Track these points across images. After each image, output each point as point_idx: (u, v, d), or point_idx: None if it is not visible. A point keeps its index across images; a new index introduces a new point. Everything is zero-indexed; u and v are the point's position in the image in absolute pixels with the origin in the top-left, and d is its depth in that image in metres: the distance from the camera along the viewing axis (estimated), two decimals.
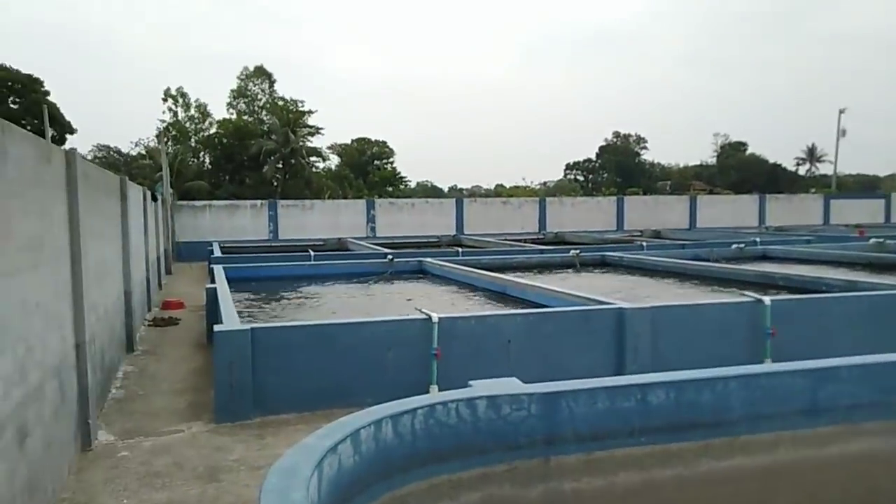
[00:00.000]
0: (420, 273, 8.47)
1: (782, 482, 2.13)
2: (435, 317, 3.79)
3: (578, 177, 65.40)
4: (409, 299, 6.31)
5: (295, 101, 33.41)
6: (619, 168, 61.24)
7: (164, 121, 31.40)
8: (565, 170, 66.53)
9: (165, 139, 25.38)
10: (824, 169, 59.91)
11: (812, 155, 65.35)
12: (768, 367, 2.21)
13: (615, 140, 65.32)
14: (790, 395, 2.17)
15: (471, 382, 2.08)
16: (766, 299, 4.07)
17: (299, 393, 3.92)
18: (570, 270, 8.72)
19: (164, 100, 32.39)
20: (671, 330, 4.01)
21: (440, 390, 3.22)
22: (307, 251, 10.70)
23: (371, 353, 3.91)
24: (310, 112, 32.62)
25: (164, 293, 10.17)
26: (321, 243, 15.21)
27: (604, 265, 9.04)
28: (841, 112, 47.66)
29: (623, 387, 2.07)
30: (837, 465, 2.18)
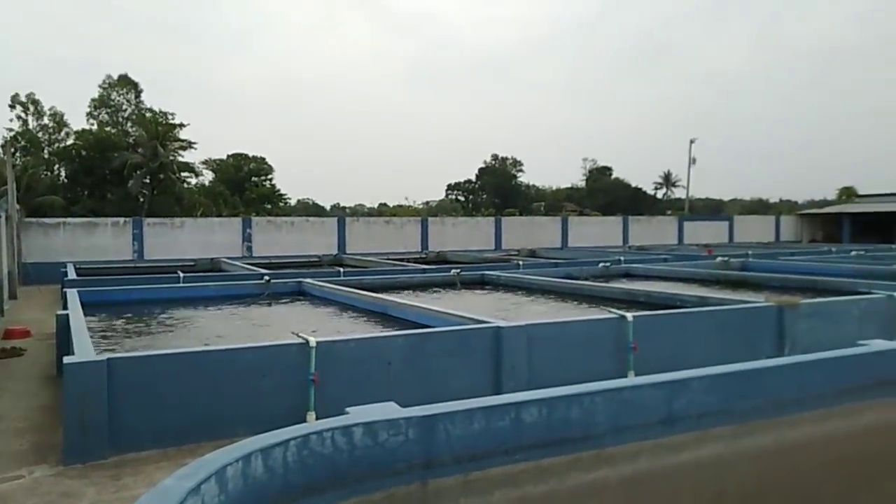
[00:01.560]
0: (299, 294, 8.23)
1: (643, 489, 2.26)
2: (312, 341, 3.68)
3: (459, 197, 66.94)
4: (290, 325, 6.10)
5: (164, 113, 31.52)
6: (497, 189, 63.39)
7: (11, 129, 28.41)
8: (447, 190, 67.84)
9: (13, 149, 22.92)
10: (679, 193, 65.61)
11: (668, 180, 71.46)
12: (630, 380, 2.35)
13: (494, 162, 67.60)
14: (649, 407, 2.32)
15: (347, 409, 2.03)
16: (629, 315, 4.35)
17: (163, 427, 3.64)
18: (451, 289, 8.85)
19: (12, 107, 29.37)
20: (545, 347, 4.18)
21: (318, 417, 3.13)
22: (176, 272, 10.05)
23: (244, 381, 3.72)
24: (181, 125, 30.92)
25: (6, 320, 9.11)
26: (192, 264, 14.35)
27: (483, 284, 9.28)
28: (692, 142, 52.46)
29: (498, 406, 2.11)
30: (691, 470, 2.35)
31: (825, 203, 47.52)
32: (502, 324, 4.22)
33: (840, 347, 2.91)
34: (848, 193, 46.25)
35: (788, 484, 2.53)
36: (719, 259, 11.17)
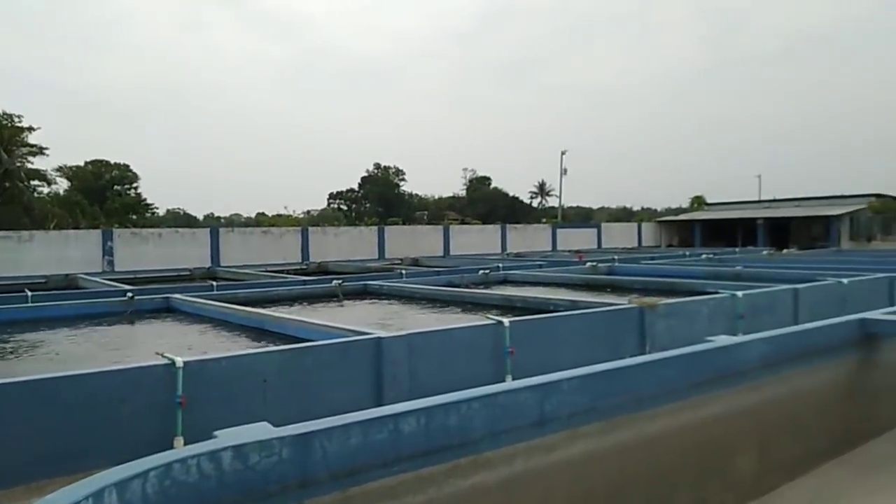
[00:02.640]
0: (167, 311, 7.71)
1: (519, 490, 2.34)
2: (179, 361, 3.46)
3: (342, 206, 66.06)
4: (153, 343, 5.70)
5: (10, 116, 28.44)
6: (380, 198, 63.26)
7: None
8: (329, 199, 66.70)
9: None
10: (553, 202, 68.92)
11: (542, 190, 74.82)
12: (505, 385, 2.43)
13: (376, 171, 67.42)
14: (523, 410, 2.40)
15: (216, 433, 1.92)
16: (506, 321, 4.50)
17: (6, 465, 3.26)
18: (333, 301, 8.69)
19: None
20: (426, 355, 4.21)
21: (188, 443, 2.93)
22: (23, 291, 9.07)
23: (102, 408, 3.42)
24: (30, 129, 28.04)
25: None
26: (43, 281, 13.01)
27: (366, 294, 9.20)
28: (563, 153, 55.32)
29: (377, 419, 2.10)
30: (563, 468, 2.46)
31: (680, 210, 52.01)
32: (383, 334, 4.20)
33: (692, 344, 3.19)
34: (699, 202, 50.95)
35: (650, 473, 2.72)
36: (589, 264, 11.86)
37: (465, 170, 75.33)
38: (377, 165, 67.19)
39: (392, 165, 67.38)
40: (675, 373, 2.90)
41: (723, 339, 3.23)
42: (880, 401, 3.71)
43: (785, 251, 17.16)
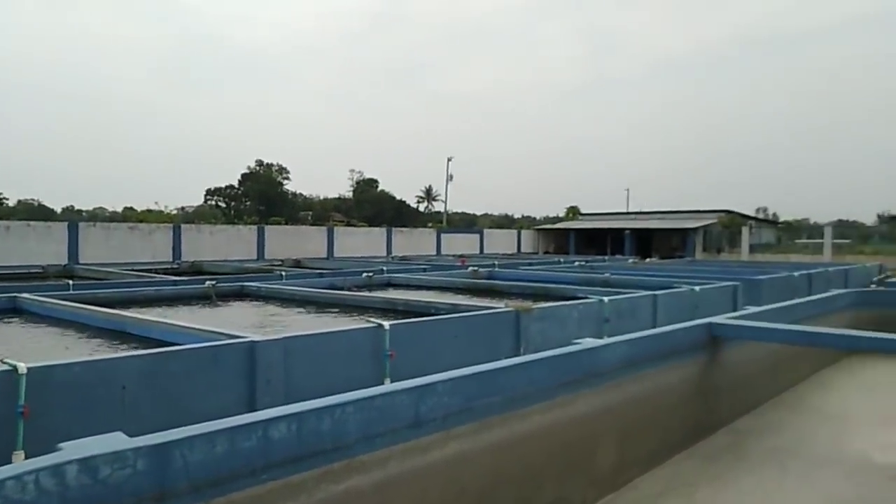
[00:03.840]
0: (13, 312, 6.94)
1: (393, 493, 2.34)
2: (22, 366, 3.13)
3: (220, 203, 62.96)
4: None
5: None
6: (262, 196, 60.99)
7: None
8: (206, 196, 63.34)
9: None
10: (439, 207, 69.87)
11: (429, 195, 75.66)
12: (381, 388, 2.42)
13: (258, 168, 64.95)
14: (399, 412, 2.41)
15: (61, 445, 1.76)
16: (386, 324, 4.49)
17: None
18: (206, 303, 8.25)
19: None
20: (303, 359, 4.10)
21: (29, 457, 2.65)
22: None
23: None
24: None
25: None
26: None
27: (242, 296, 8.81)
28: (449, 159, 56.33)
29: (245, 425, 2.01)
30: (437, 469, 2.50)
31: (557, 219, 54.73)
32: (257, 337, 4.04)
33: (563, 345, 3.36)
34: (574, 212, 53.93)
35: (519, 471, 2.83)
36: (470, 269, 12.15)
37: (352, 171, 74.46)
38: (259, 162, 64.75)
39: (275, 163, 65.22)
40: (545, 373, 3.04)
41: (589, 342, 3.42)
42: (722, 396, 4.10)
43: (648, 260, 18.57)
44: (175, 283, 9.79)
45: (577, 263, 15.61)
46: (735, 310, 8.13)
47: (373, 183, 70.50)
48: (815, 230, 45.55)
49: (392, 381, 4.38)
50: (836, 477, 3.23)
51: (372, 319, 4.64)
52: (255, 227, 24.93)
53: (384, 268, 12.07)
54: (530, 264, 15.55)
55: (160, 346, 4.52)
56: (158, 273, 12.96)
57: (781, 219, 62.13)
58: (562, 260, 18.45)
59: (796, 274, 11.22)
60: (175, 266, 16.13)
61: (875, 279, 10.16)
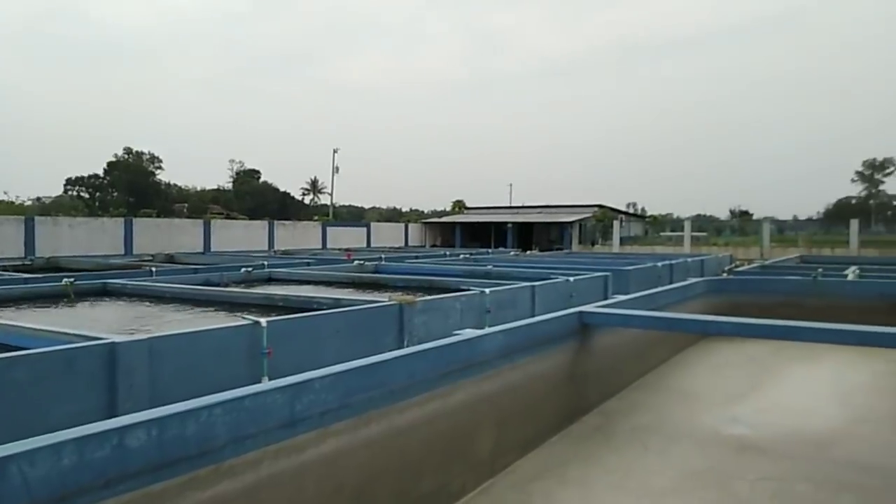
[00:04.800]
0: None
1: (266, 495, 2.26)
2: None
3: (83, 194, 57.95)
4: None
5: None
6: (131, 187, 56.85)
7: None
8: (66, 185, 58.06)
9: None
10: (325, 199, 68.54)
11: (315, 187, 73.97)
12: (253, 387, 2.32)
13: (127, 156, 60.41)
14: (272, 412, 2.32)
15: None
16: (263, 321, 4.33)
17: None
18: (64, 302, 7.55)
19: None
20: (171, 360, 3.86)
21: None
22: None
23: None
24: None
25: None
26: None
27: (105, 294, 8.15)
28: (335, 151, 55.39)
29: (97, 434, 1.85)
30: (313, 467, 2.44)
31: (444, 213, 55.52)
32: (119, 339, 3.74)
33: (446, 337, 3.40)
34: (460, 206, 54.96)
35: (399, 464, 2.83)
36: (356, 262, 12.03)
37: (232, 161, 71.14)
38: (128, 150, 60.23)
39: (146, 151, 60.93)
40: (425, 365, 3.06)
41: (468, 332, 3.49)
42: (591, 381, 4.35)
43: (528, 252, 19.33)
44: (26, 280, 8.87)
45: (461, 256, 15.92)
46: (606, 298, 8.66)
47: (254, 174, 67.77)
48: (678, 224, 49.57)
49: (270, 381, 4.24)
50: (690, 450, 3.52)
51: (248, 316, 4.46)
52: (121, 220, 23.15)
53: (265, 262, 11.65)
54: (417, 257, 15.65)
55: (5, 350, 4.07)
56: (7, 270, 11.68)
57: (649, 213, 66.99)
58: (448, 253, 18.73)
59: (660, 264, 12.13)
60: (28, 262, 14.61)
61: (726, 268, 11.21)
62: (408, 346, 5.21)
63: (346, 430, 2.58)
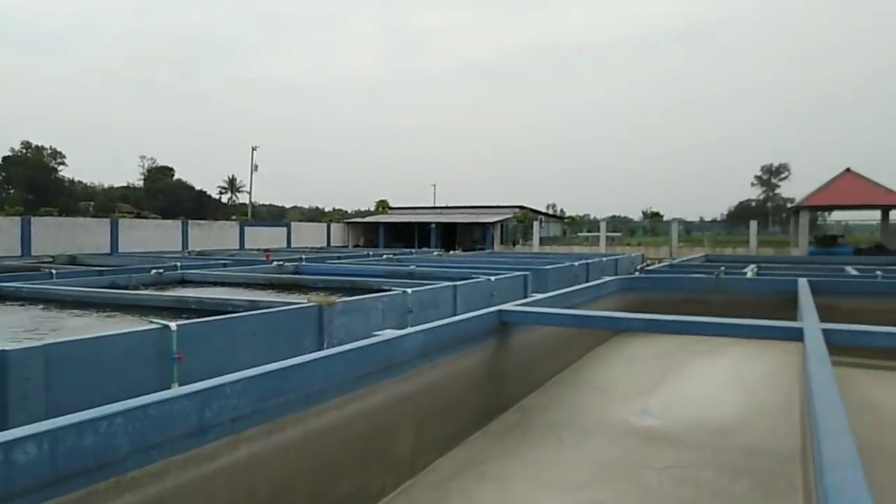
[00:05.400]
0: None
1: None
2: None
3: None
4: None
5: None
6: (30, 183, 53.10)
7: None
8: None
9: None
10: (244, 198, 66.48)
11: (233, 185, 71.60)
12: (158, 395, 2.21)
13: (25, 151, 56.38)
14: (179, 420, 2.22)
15: None
16: (173, 325, 4.14)
17: None
18: None
19: None
20: (71, 369, 3.62)
21: None
22: None
23: None
24: None
25: None
26: None
27: None
28: (254, 149, 53.84)
29: None
30: (224, 476, 2.35)
31: (367, 213, 55.05)
32: (9, 346, 3.48)
33: (367, 338, 3.36)
34: (383, 205, 54.68)
35: (315, 468, 2.77)
36: (275, 263, 11.73)
37: (143, 158, 67.70)
38: (27, 144, 56.20)
39: (47, 146, 57.01)
40: (344, 367, 3.02)
41: (388, 333, 3.48)
42: (511, 378, 4.43)
43: (451, 252, 19.47)
44: None
45: (385, 257, 15.84)
46: (526, 297, 8.86)
47: (167, 171, 64.79)
48: (594, 225, 51.45)
49: (179, 386, 4.05)
50: (603, 443, 3.65)
51: (156, 320, 4.25)
52: (17, 219, 21.51)
53: (178, 264, 11.16)
54: (339, 258, 15.45)
55: None
56: None
57: (567, 215, 69.11)
58: (371, 253, 18.60)
59: (576, 263, 12.54)
60: None
61: (638, 267, 11.72)
62: (328, 348, 5.14)
63: (259, 436, 2.50)
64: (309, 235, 33.55)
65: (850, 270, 9.33)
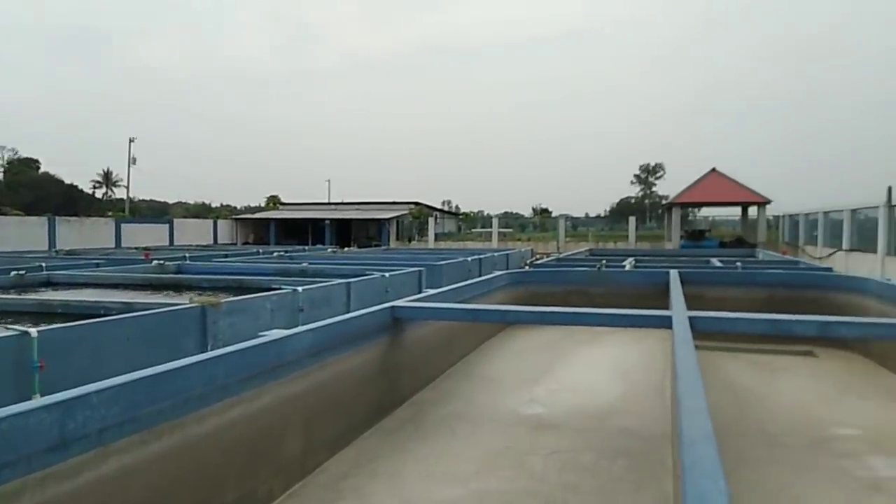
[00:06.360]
0: None
1: None
2: None
3: None
4: None
5: None
6: None
7: None
8: None
9: None
10: (121, 193, 62.01)
11: (108, 179, 66.62)
12: (11, 408, 2.01)
13: None
14: (37, 433, 2.04)
15: None
16: (33, 331, 3.79)
17: None
18: None
19: None
20: None
21: None
22: None
23: None
24: None
25: None
26: None
27: None
28: (131, 140, 50.37)
29: None
30: (91, 491, 2.18)
31: (258, 209, 53.11)
32: None
33: (256, 339, 3.23)
34: (275, 201, 52.97)
35: (196, 476, 2.64)
36: (155, 262, 11.02)
37: (2, 149, 61.46)
38: None
39: None
40: (227, 370, 2.89)
41: (275, 333, 3.37)
42: (403, 374, 4.44)
43: (346, 249, 19.23)
44: None
45: (276, 254, 15.36)
46: (420, 292, 8.92)
47: (32, 163, 59.14)
48: (488, 221, 52.73)
49: (41, 397, 3.71)
50: (492, 433, 3.75)
51: (14, 327, 3.86)
52: None
53: (43, 264, 10.22)
54: (226, 256, 14.79)
55: None
56: None
57: (462, 211, 70.30)
58: (261, 251, 17.97)
59: (469, 259, 12.79)
60: None
61: (528, 261, 12.13)
62: (212, 351, 4.91)
63: (131, 447, 2.34)
64: (194, 233, 31.82)
65: (715, 262, 10.19)
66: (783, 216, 44.57)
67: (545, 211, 78.08)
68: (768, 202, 43.48)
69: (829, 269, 8.52)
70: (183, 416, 2.59)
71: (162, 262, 10.98)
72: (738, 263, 9.17)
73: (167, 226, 30.55)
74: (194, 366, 2.74)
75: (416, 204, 48.84)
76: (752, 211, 45.84)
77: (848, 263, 27.77)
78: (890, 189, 25.48)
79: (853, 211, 29.31)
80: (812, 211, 35.88)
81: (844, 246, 29.81)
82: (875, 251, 25.95)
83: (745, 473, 3.02)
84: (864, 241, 28.03)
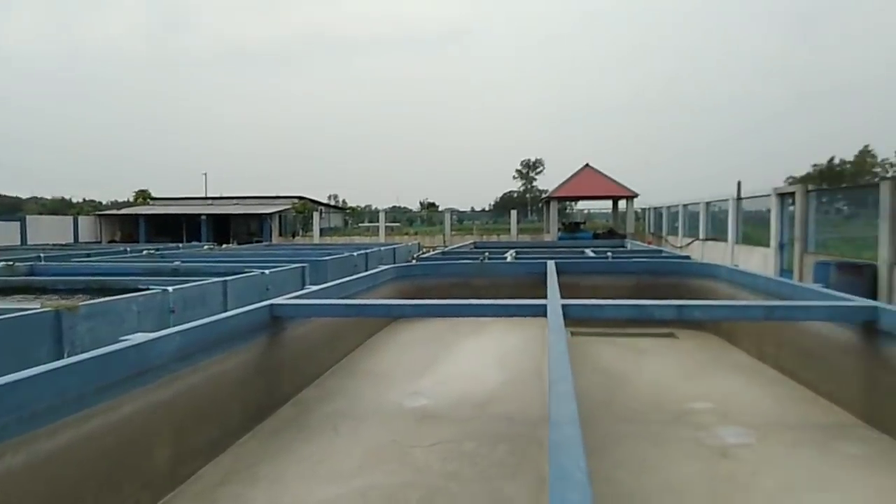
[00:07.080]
0: None
1: None
2: None
3: None
4: None
5: None
6: None
7: None
8: None
9: None
10: None
11: None
12: None
13: None
14: None
15: None
16: None
17: None
18: None
19: None
20: None
21: None
22: None
23: None
24: None
25: None
26: None
27: None
28: None
29: None
30: None
31: (126, 204, 49.33)
32: None
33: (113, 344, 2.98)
34: (144, 196, 49.50)
35: (48, 496, 2.41)
36: (2, 264, 9.91)
37: None
38: None
39: None
40: (82, 379, 2.66)
41: (139, 336, 3.14)
42: (284, 373, 4.31)
43: (225, 246, 18.35)
44: None
45: (145, 252, 14.37)
46: (303, 289, 8.69)
47: None
48: (375, 215, 52.44)
49: None
50: (377, 428, 3.73)
51: None
52: None
53: None
54: (88, 255, 13.61)
55: None
56: None
57: (349, 205, 69.43)
58: (129, 249, 16.73)
59: (355, 254, 12.66)
60: None
61: (414, 255, 12.21)
62: (66, 359, 4.49)
63: None
64: (51, 231, 28.96)
65: (589, 253, 10.78)
66: (649, 208, 48.09)
67: (432, 205, 79.02)
68: (636, 195, 46.78)
69: (688, 258, 9.28)
70: (30, 432, 2.34)
71: (11, 262, 9.88)
72: (609, 253, 9.75)
73: (18, 223, 27.58)
74: (42, 376, 2.49)
75: (301, 198, 47.59)
76: (622, 204, 49.05)
77: (704, 251, 30.58)
78: (739, 183, 28.29)
79: (707, 203, 32.23)
80: (673, 204, 39.03)
81: (701, 235, 32.75)
82: (727, 240, 28.73)
83: (612, 450, 3.22)
84: (718, 230, 30.96)
